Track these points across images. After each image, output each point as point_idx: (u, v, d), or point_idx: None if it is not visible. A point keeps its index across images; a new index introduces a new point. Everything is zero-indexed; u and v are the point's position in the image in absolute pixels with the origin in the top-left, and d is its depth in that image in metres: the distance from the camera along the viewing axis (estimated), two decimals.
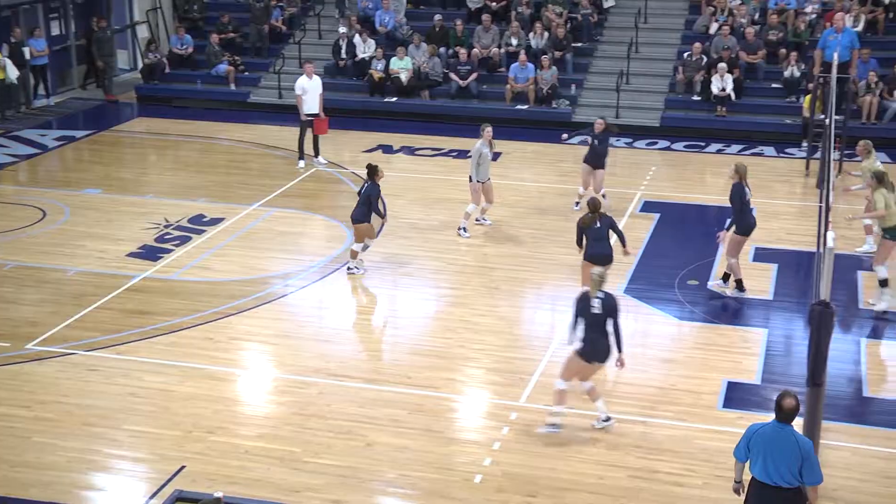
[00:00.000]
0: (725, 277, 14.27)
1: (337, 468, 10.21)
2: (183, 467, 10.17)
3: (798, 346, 12.58)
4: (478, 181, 16.31)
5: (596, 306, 10.48)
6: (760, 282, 14.50)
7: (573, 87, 23.84)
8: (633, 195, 18.41)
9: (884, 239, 13.89)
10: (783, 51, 23.18)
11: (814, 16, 24.06)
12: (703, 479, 10.02)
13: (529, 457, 10.43)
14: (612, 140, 17.81)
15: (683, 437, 10.75)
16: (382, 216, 15.32)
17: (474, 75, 24.04)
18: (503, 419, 11.15)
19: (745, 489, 8.47)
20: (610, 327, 10.51)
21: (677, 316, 13.80)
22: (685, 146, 21.81)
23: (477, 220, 16.82)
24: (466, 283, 14.72)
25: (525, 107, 23.48)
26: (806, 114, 20.91)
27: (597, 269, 10.84)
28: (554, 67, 23.53)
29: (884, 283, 13.87)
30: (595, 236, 13.22)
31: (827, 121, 17.12)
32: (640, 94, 23.64)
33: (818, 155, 19.09)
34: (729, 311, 13.92)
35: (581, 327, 10.57)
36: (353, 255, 15.04)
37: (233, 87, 25.28)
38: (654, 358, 12.62)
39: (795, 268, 15.21)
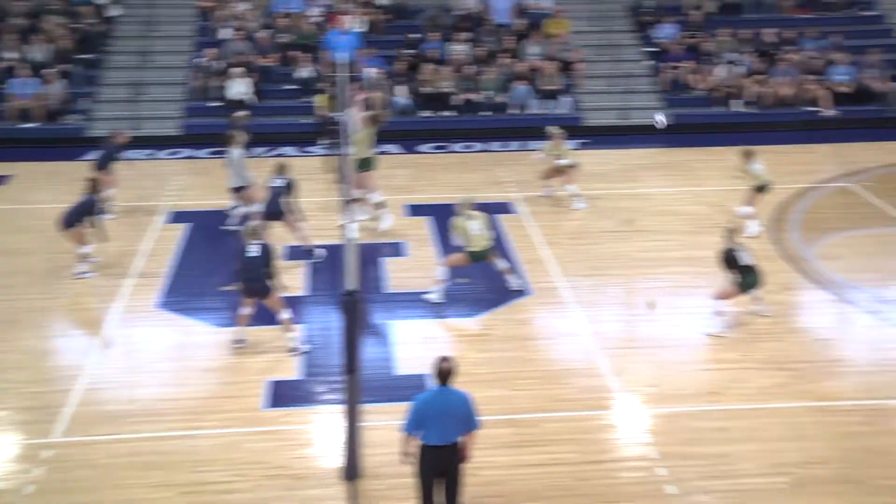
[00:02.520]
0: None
1: None
2: None
3: (335, 337, 12.96)
4: None
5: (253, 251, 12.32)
6: (294, 279, 14.77)
7: (84, 100, 22.81)
8: (158, 207, 17.99)
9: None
10: (295, 53, 23.84)
11: (319, 18, 24.98)
12: (254, 482, 10.02)
13: (72, 494, 9.85)
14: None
15: (231, 444, 10.67)
16: None
17: None
18: (35, 460, 10.38)
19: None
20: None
21: (215, 324, 13.69)
22: (210, 153, 21.68)
23: None
24: None
25: (32, 125, 22.07)
26: (321, 112, 21.67)
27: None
28: (62, 81, 22.36)
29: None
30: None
31: (339, 118, 17.87)
32: (157, 103, 23.19)
33: (335, 151, 19.83)
34: (260, 312, 14.01)
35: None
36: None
37: None
38: (194, 369, 12.41)
39: (328, 261, 15.62)
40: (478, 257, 14.09)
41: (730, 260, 13.03)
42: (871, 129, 22.91)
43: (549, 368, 12.38)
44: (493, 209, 17.32)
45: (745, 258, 13.06)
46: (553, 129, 18.13)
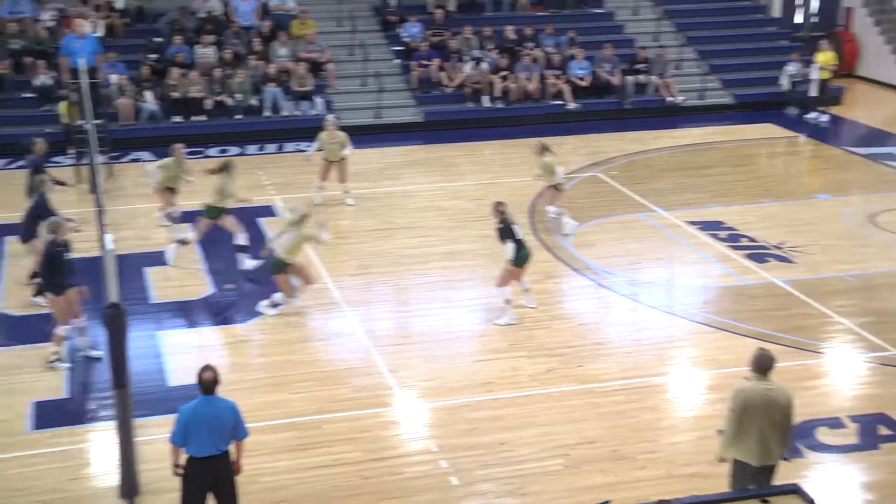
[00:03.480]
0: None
1: None
2: None
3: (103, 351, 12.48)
4: None
5: None
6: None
7: None
8: None
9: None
10: (30, 59, 22.64)
11: (52, 23, 23.83)
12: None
13: None
14: None
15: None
16: None
17: None
18: None
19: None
20: None
21: None
22: None
23: None
24: None
25: None
26: (65, 120, 20.70)
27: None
28: None
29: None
30: None
31: (87, 126, 17.15)
32: None
33: (86, 160, 19.02)
34: (26, 330, 13.30)
35: None
36: None
37: None
38: None
39: (87, 275, 14.95)
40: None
41: (506, 231, 13.40)
42: (610, 120, 24.26)
43: (325, 369, 12.41)
44: (257, 212, 17.22)
45: (519, 232, 13.49)
46: (329, 120, 18.22)
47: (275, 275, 13.66)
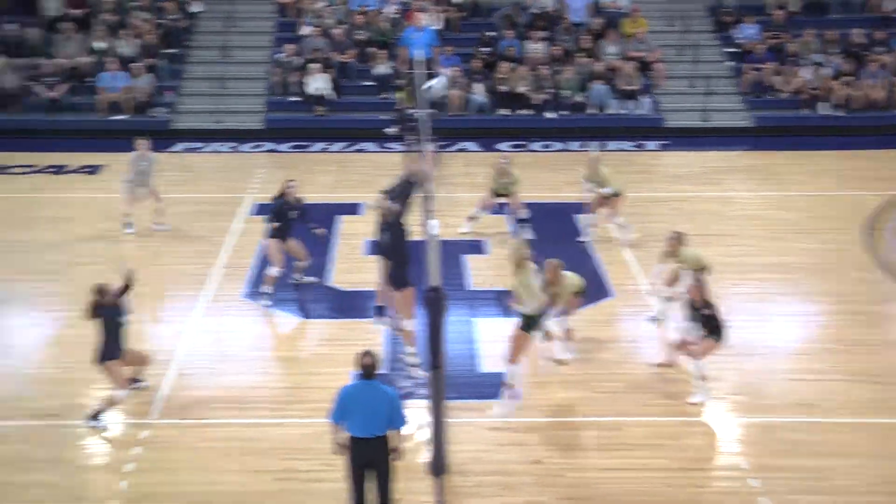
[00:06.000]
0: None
1: None
2: None
3: (418, 332, 13.06)
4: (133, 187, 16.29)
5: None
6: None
7: (170, 94, 23.24)
8: (242, 199, 18.27)
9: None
10: (372, 49, 24.01)
11: (396, 15, 25.13)
12: (341, 472, 10.11)
13: (169, 474, 10.08)
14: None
15: (319, 434, 10.76)
16: None
17: (62, 86, 22.70)
18: (134, 439, 10.67)
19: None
20: None
21: (300, 315, 13.88)
22: (291, 147, 21.99)
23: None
24: (79, 303, 13.85)
25: (122, 117, 22.54)
26: (401, 106, 21.77)
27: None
28: (148, 75, 22.81)
29: None
30: None
31: (418, 115, 17.97)
32: (239, 97, 23.51)
33: (417, 148, 19.93)
34: (350, 305, 14.18)
35: None
36: None
37: None
38: (281, 359, 12.62)
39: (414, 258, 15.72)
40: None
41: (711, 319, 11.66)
42: None
43: (634, 372, 12.31)
44: (574, 209, 17.34)
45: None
46: (591, 153, 17.27)
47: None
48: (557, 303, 12.10)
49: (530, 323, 11.44)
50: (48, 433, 10.76)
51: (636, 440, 10.81)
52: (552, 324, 12.34)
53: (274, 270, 13.97)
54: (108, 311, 10.85)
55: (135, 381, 11.37)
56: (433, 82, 17.80)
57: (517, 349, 11.46)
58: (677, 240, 13.21)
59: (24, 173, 19.92)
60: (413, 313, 12.14)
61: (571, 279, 12.33)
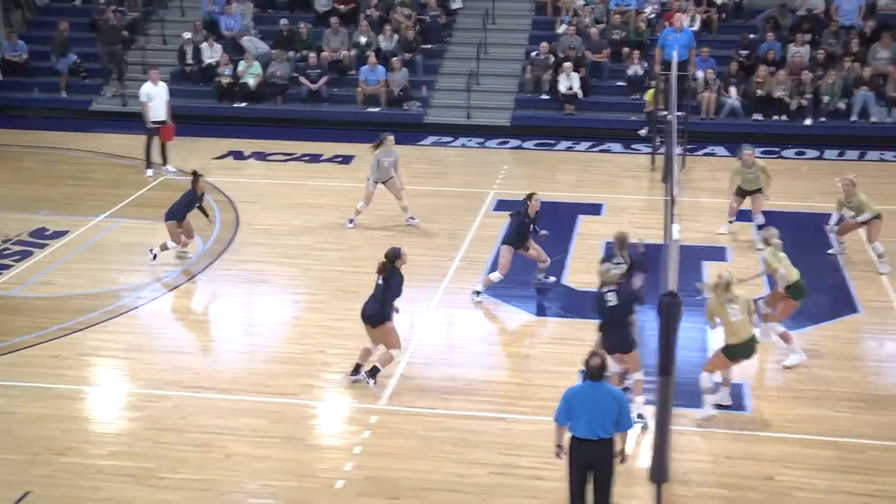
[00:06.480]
0: None
1: (195, 482, 9.97)
2: (27, 493, 9.74)
3: (649, 336, 12.87)
4: (374, 181, 16.73)
5: (611, 299, 10.93)
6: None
7: (424, 88, 23.94)
8: (486, 194, 18.58)
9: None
10: (626, 50, 23.79)
11: (653, 16, 24.78)
12: (562, 472, 10.12)
13: (391, 459, 10.40)
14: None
15: (542, 432, 10.83)
16: (207, 216, 15.97)
17: (325, 79, 23.88)
18: (364, 423, 11.10)
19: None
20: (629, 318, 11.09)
21: (533, 312, 14.00)
22: (535, 144, 22.16)
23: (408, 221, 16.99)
24: (322, 288, 14.60)
25: (377, 109, 23.47)
26: (649, 108, 21.51)
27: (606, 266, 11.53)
28: (405, 69, 23.59)
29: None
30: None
31: (669, 117, 17.67)
32: (490, 94, 23.91)
33: (664, 150, 19.65)
34: (583, 305, 14.14)
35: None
36: (163, 247, 15.35)
37: (63, 94, 24.53)
38: (511, 354, 12.77)
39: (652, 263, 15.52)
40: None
41: None
42: None
43: (876, 392, 11.67)
44: (822, 219, 16.54)
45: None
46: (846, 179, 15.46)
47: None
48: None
49: (735, 351, 11.07)
50: (286, 411, 11.34)
51: (878, 465, 10.27)
52: (767, 333, 12.05)
53: (495, 276, 14.13)
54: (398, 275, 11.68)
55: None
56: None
57: (715, 364, 11.27)
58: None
59: (282, 160, 21.03)
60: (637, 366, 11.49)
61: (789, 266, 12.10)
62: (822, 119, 22.08)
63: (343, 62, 24.31)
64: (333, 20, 24.72)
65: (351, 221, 16.91)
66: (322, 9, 25.86)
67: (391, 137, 16.77)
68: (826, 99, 22.05)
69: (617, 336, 11.02)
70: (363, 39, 24.54)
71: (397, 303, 11.79)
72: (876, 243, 15.00)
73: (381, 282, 11.70)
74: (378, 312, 11.60)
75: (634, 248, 12.53)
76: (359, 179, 18.98)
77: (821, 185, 18.67)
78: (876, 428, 10.91)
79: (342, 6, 25.59)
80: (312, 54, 24.09)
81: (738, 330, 10.96)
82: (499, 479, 10.07)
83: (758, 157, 16.51)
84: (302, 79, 23.90)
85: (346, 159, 20.97)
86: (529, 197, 14.23)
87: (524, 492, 9.91)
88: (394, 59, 23.54)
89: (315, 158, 20.86)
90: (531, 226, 14.26)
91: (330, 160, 20.99)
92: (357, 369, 11.86)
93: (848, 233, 15.51)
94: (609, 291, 11.00)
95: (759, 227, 15.69)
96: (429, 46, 24.96)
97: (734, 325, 10.95)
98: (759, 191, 16.11)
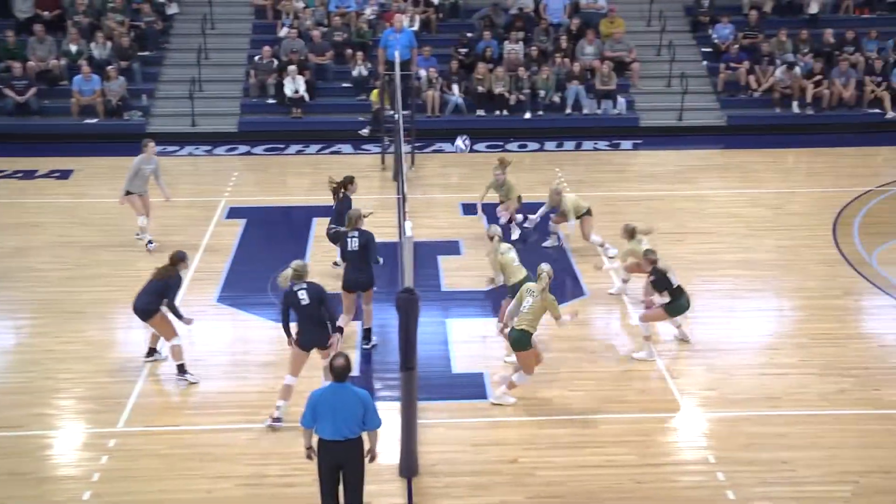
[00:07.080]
0: None
1: None
2: None
3: (392, 334, 13.00)
4: (134, 193, 15.84)
5: (303, 297, 10.85)
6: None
7: (144, 97, 23.13)
8: (217, 202, 18.18)
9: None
10: (349, 51, 23.95)
11: (373, 17, 25.07)
12: (312, 476, 10.05)
13: (134, 482, 10.00)
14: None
15: (288, 439, 10.69)
16: None
17: (33, 90, 22.56)
18: (101, 448, 10.59)
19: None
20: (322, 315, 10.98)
21: (274, 319, 13.79)
22: (265, 149, 21.89)
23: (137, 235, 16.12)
24: (47, 311, 13.80)
25: (94, 120, 22.43)
26: (376, 107, 21.73)
27: (295, 262, 11.12)
28: (122, 78, 22.68)
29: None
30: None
31: (396, 116, 17.94)
32: (214, 100, 23.40)
33: (392, 149, 19.93)
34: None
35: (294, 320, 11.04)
36: None
37: None
38: (252, 363, 12.53)
39: (385, 259, 15.67)
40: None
41: (661, 282, 12.45)
42: None
43: (606, 369, 12.33)
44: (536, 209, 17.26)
45: (675, 280, 12.46)
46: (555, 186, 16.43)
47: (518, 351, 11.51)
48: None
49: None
50: (13, 445, 10.65)
51: (607, 437, 10.86)
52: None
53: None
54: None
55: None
56: (458, 143, 17.81)
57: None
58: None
59: None
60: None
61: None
62: (540, 112, 23.09)
63: (53, 72, 23.06)
64: (38, 28, 23.38)
65: (151, 243, 15.88)
66: (23, 15, 24.41)
67: (152, 143, 16.01)
68: (542, 93, 23.08)
69: (316, 333, 11.05)
70: (74, 48, 23.38)
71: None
72: (592, 236, 15.53)
73: (156, 280, 11.83)
74: (145, 308, 11.77)
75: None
76: (80, 195, 18.16)
77: (541, 175, 19.48)
78: (605, 402, 11.53)
79: (46, 12, 24.27)
80: (17, 64, 22.70)
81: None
82: (249, 491, 9.89)
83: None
84: (7, 90, 22.47)
85: (65, 174, 19.92)
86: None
87: (276, 500, 9.79)
88: (109, 67, 22.58)
89: (30, 175, 19.70)
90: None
91: (47, 175, 19.87)
92: (151, 352, 12.35)
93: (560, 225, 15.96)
94: (300, 290, 10.91)
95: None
96: (146, 53, 24.11)
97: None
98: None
